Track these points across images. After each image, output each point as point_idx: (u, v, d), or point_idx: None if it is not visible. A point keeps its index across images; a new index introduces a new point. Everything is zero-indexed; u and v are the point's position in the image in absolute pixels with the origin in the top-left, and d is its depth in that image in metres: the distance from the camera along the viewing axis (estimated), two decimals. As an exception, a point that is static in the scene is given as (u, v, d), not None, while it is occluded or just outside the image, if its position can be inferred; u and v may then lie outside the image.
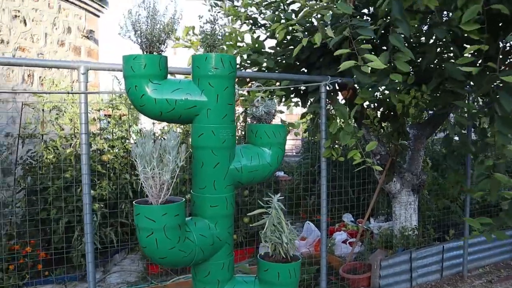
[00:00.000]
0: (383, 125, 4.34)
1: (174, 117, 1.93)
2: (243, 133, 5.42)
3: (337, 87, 3.99)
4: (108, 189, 4.64)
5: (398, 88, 3.37)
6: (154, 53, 1.89)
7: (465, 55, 2.71)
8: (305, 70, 4.00)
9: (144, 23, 1.81)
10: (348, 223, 5.69)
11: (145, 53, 1.89)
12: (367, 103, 4.07)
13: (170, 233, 1.80)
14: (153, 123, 5.77)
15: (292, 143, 13.21)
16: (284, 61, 3.87)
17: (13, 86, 5.75)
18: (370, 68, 2.72)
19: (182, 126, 5.41)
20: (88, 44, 7.44)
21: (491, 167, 2.69)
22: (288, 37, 3.83)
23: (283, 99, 4.01)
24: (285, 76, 3.45)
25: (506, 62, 3.27)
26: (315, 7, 3.03)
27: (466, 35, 2.60)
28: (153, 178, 1.75)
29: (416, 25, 3.37)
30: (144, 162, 1.74)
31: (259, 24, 4.00)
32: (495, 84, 2.67)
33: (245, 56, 3.73)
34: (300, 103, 4.18)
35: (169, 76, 1.98)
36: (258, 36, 3.81)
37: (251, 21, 3.95)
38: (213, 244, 2.01)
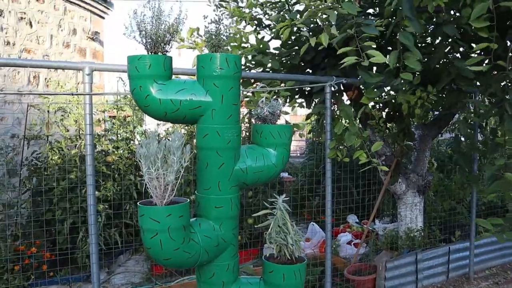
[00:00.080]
0: (388, 125, 4.32)
1: (178, 118, 1.93)
2: (247, 134, 5.41)
3: (342, 88, 3.97)
4: (112, 190, 4.64)
5: (404, 88, 3.35)
6: (159, 53, 1.89)
7: (472, 54, 2.70)
8: (310, 71, 3.99)
9: (149, 24, 1.81)
10: (352, 224, 5.67)
11: (149, 53, 1.89)
12: (372, 103, 4.05)
13: (175, 234, 1.79)
14: (158, 124, 5.77)
15: (296, 144, 13.19)
16: (289, 62, 3.86)
17: (19, 88, 5.77)
18: (374, 66, 2.70)
19: (186, 127, 5.41)
20: (93, 45, 7.46)
21: (502, 166, 2.66)
22: (293, 38, 3.82)
23: (288, 100, 4.00)
24: (290, 76, 3.43)
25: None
26: (320, 7, 3.02)
27: (474, 33, 2.57)
28: (157, 179, 1.75)
29: (422, 24, 3.34)
30: (149, 162, 1.73)
31: (263, 25, 3.99)
32: (504, 83, 2.65)
33: (249, 57, 3.73)
34: (304, 104, 4.17)
35: (173, 77, 1.98)
36: (263, 37, 3.81)
37: (255, 22, 3.94)
38: (218, 246, 2.00)
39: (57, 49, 6.55)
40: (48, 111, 4.97)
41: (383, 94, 3.68)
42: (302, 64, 3.92)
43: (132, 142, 5.36)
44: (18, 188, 4.57)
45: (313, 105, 3.99)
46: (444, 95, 3.90)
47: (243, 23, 3.89)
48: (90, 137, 2.66)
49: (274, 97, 3.07)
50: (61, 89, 5.91)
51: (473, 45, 3.12)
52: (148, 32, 1.81)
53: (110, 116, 6.12)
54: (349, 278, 4.04)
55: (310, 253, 4.66)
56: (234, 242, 2.09)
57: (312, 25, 3.65)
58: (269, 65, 3.71)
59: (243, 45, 3.67)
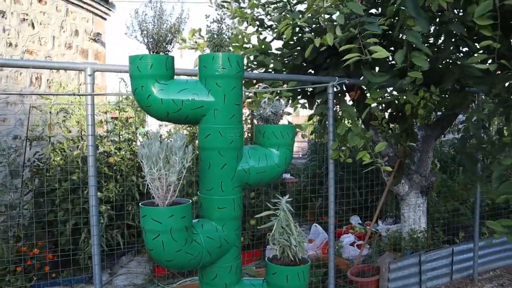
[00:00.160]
0: (391, 126, 4.30)
1: (180, 118, 1.91)
2: (249, 135, 5.40)
3: (345, 88, 3.96)
4: (114, 191, 4.64)
5: (407, 88, 3.33)
6: (161, 53, 1.87)
7: (476, 54, 2.68)
8: (312, 72, 3.97)
9: (151, 23, 1.80)
10: (355, 225, 5.64)
11: (151, 53, 1.88)
12: (374, 104, 4.03)
13: (177, 235, 1.77)
14: (160, 125, 5.77)
15: (298, 145, 13.16)
16: (291, 63, 3.85)
17: (21, 89, 5.78)
18: (377, 67, 2.68)
19: (188, 128, 5.40)
20: (95, 47, 7.47)
21: (509, 166, 2.64)
22: (295, 38, 3.81)
23: (290, 101, 3.98)
24: (292, 77, 3.42)
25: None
26: (323, 7, 3.01)
27: (477, 33, 2.55)
28: (159, 180, 1.73)
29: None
30: (151, 163, 1.72)
31: (265, 26, 3.98)
32: (508, 83, 2.63)
33: (251, 58, 3.72)
34: (307, 104, 4.15)
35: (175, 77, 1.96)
36: (265, 38, 3.79)
37: (257, 23, 3.93)
38: (221, 247, 1.98)
39: (59, 50, 6.55)
40: (50, 112, 4.97)
41: (386, 94, 3.66)
42: (304, 64, 3.91)
43: (134, 143, 5.36)
44: (20, 189, 4.56)
45: (315, 105, 3.97)
46: (446, 96, 3.88)
47: (245, 24, 3.88)
48: (92, 138, 2.65)
49: (277, 97, 3.06)
50: (63, 90, 5.91)
51: (476, 44, 3.10)
52: (149, 32, 1.80)
53: (112, 117, 6.13)
54: (352, 280, 4.02)
55: (313, 255, 4.64)
56: (237, 243, 2.07)
57: (314, 25, 3.64)
58: (271, 65, 3.70)
59: (245, 45, 3.66)
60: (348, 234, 5.30)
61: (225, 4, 3.88)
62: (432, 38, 3.81)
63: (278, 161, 2.11)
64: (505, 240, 4.62)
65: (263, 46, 3.68)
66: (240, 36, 3.60)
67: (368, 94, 4.11)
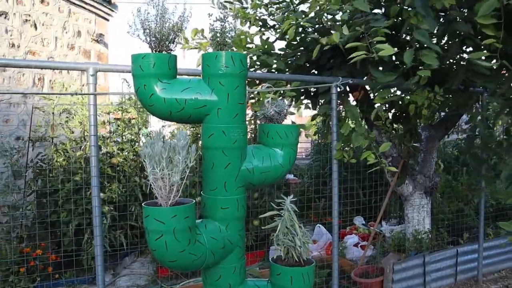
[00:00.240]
0: (394, 126, 4.27)
1: (183, 117, 1.90)
2: (253, 136, 5.39)
3: (348, 89, 3.94)
4: (117, 192, 4.63)
5: (414, 88, 3.31)
6: (163, 52, 1.86)
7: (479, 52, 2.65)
8: (316, 72, 3.95)
9: (153, 22, 1.78)
10: (359, 226, 5.62)
11: (154, 52, 1.86)
12: (378, 104, 4.02)
13: (180, 235, 1.76)
14: (163, 126, 5.77)
15: (301, 145, 13.14)
16: (294, 63, 3.83)
17: (24, 90, 5.78)
18: (380, 67, 2.66)
19: (191, 129, 5.39)
20: (98, 47, 7.47)
21: None
22: (298, 38, 3.79)
23: (294, 101, 3.97)
24: (295, 77, 3.40)
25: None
26: (325, 7, 2.99)
27: (482, 32, 2.53)
28: (162, 179, 1.72)
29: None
30: (153, 162, 1.70)
31: (268, 26, 3.97)
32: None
33: (254, 58, 3.70)
34: (310, 105, 4.14)
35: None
36: (267, 38, 3.78)
37: (260, 23, 3.92)
38: (224, 247, 1.97)
39: (61, 51, 6.56)
40: (53, 113, 4.97)
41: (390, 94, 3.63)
42: (308, 65, 3.89)
43: (137, 144, 5.36)
44: (23, 190, 4.56)
45: (318, 106, 3.95)
46: (450, 96, 3.85)
47: (248, 24, 3.87)
48: (95, 138, 2.64)
49: (280, 98, 3.04)
50: (66, 91, 5.92)
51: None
52: (152, 30, 1.79)
53: (115, 118, 6.13)
54: (356, 281, 4.00)
55: (317, 255, 4.61)
56: (240, 243, 2.05)
57: (317, 26, 3.62)
58: (275, 65, 3.68)
59: (248, 45, 3.65)
60: (351, 235, 5.28)
61: (227, 4, 3.87)
62: (435, 38, 3.79)
63: (282, 161, 2.09)
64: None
65: (266, 46, 3.67)
66: (243, 37, 3.59)
67: (371, 95, 4.10)
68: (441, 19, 3.27)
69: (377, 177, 5.05)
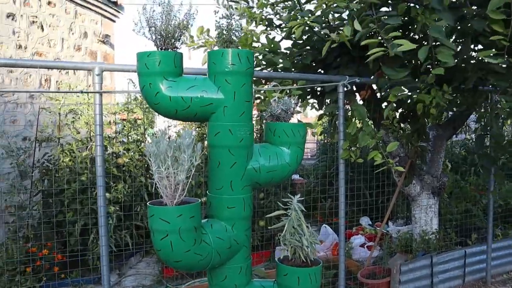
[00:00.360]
0: (402, 126, 4.23)
1: (189, 115, 1.88)
2: (259, 136, 5.37)
3: (355, 88, 3.91)
4: (123, 192, 4.63)
5: (429, 87, 3.26)
6: (169, 50, 1.84)
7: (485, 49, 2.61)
8: (322, 72, 3.93)
9: (159, 19, 1.77)
10: (365, 226, 5.58)
11: (159, 50, 1.85)
12: (385, 103, 3.98)
13: (186, 235, 1.74)
14: (168, 127, 5.77)
15: (306, 146, 13.08)
16: (300, 62, 3.81)
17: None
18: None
19: (197, 129, 5.39)
20: (104, 48, 7.49)
21: None
22: (304, 37, 3.77)
23: (300, 100, 3.94)
24: (301, 76, 3.38)
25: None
26: (333, 4, 2.97)
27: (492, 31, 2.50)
28: (167, 178, 1.70)
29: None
30: (159, 161, 1.68)
31: (274, 25, 3.95)
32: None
33: (260, 57, 3.68)
34: (316, 105, 4.11)
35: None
36: (273, 37, 3.76)
37: (266, 22, 3.90)
38: (230, 247, 1.95)
39: (68, 52, 6.58)
40: (59, 114, 4.98)
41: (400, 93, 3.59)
42: (314, 64, 3.87)
43: (143, 144, 5.36)
44: (30, 190, 4.57)
45: (325, 105, 3.92)
46: (457, 95, 3.81)
47: (253, 23, 3.85)
48: (100, 138, 2.63)
49: (286, 97, 3.02)
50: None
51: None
52: (157, 28, 1.77)
53: (121, 119, 6.14)
54: (363, 282, 3.96)
55: (323, 256, 4.58)
56: (247, 243, 2.03)
57: (324, 24, 3.59)
58: (281, 64, 3.66)
59: (254, 44, 3.63)
60: (358, 235, 5.24)
61: (233, 4, 3.86)
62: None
63: (289, 160, 2.06)
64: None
65: (272, 45, 3.64)
66: (249, 36, 3.57)
67: (378, 94, 4.07)
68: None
69: (384, 177, 5.00)
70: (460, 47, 3.15)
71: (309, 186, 6.72)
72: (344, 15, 3.58)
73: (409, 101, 3.66)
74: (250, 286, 2.07)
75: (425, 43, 2.80)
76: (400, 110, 4.13)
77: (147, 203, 1.77)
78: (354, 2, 2.90)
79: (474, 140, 5.43)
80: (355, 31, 2.82)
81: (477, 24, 2.73)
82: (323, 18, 3.54)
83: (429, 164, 4.45)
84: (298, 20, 3.18)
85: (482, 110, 3.82)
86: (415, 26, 2.91)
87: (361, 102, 3.99)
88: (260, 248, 4.78)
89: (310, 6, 3.81)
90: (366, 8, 2.93)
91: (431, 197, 4.31)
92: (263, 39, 3.72)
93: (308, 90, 3.87)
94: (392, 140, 4.04)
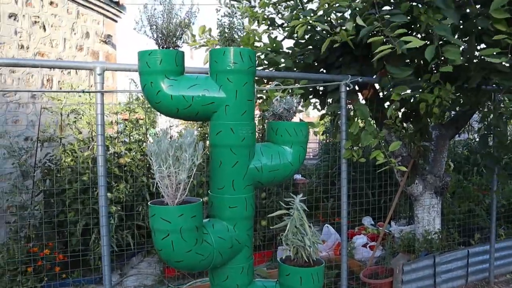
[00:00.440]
0: (404, 125, 4.22)
1: (191, 114, 1.87)
2: (261, 135, 5.36)
3: (357, 87, 3.89)
4: (125, 192, 4.62)
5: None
6: (170, 48, 1.83)
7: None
8: (324, 71, 3.91)
9: (160, 18, 1.76)
10: (368, 226, 5.56)
11: (161, 48, 1.84)
12: (387, 103, 3.96)
13: (187, 235, 1.73)
14: (170, 127, 5.76)
15: (308, 146, 13.06)
16: (302, 62, 3.80)
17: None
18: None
19: (199, 129, 5.38)
20: (106, 48, 7.49)
21: None
22: (306, 37, 3.75)
23: (302, 99, 3.93)
24: (304, 75, 3.37)
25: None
26: (335, 3, 2.95)
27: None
28: (169, 177, 1.69)
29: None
30: (160, 160, 1.67)
31: (276, 25, 3.94)
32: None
33: (262, 56, 3.67)
34: (318, 105, 4.10)
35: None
36: (276, 37, 3.75)
37: (268, 22, 3.89)
38: (232, 247, 1.93)
39: (70, 52, 6.58)
40: (61, 114, 4.98)
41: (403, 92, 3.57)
42: (316, 63, 3.85)
43: (144, 144, 5.36)
44: (32, 190, 4.57)
45: (327, 105, 3.91)
46: (461, 94, 3.79)
47: (256, 23, 3.84)
48: (102, 138, 2.63)
49: (289, 96, 3.01)
50: (74, 92, 5.93)
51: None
52: (159, 27, 1.76)
53: (123, 119, 6.14)
54: (365, 282, 3.95)
55: (325, 256, 4.57)
56: (248, 243, 2.02)
57: (326, 24, 3.58)
58: (283, 64, 3.65)
59: (256, 44, 3.62)
60: (360, 235, 5.22)
61: (235, 3, 3.85)
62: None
63: (292, 159, 2.05)
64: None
65: (274, 45, 3.63)
66: (251, 35, 3.56)
67: (381, 93, 4.05)
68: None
69: (387, 176, 4.98)
70: (463, 46, 3.13)
71: (311, 185, 6.71)
72: (347, 14, 3.56)
73: (412, 100, 3.64)
74: (252, 286, 2.06)
75: (428, 42, 2.78)
76: (402, 110, 4.12)
77: (148, 203, 1.76)
78: (357, 1, 2.88)
79: (477, 139, 5.41)
80: (358, 30, 2.80)
81: (481, 22, 2.71)
82: (325, 18, 3.53)
83: (431, 163, 4.44)
84: (300, 20, 3.16)
85: (486, 110, 3.80)
86: (418, 25, 2.88)
87: (363, 102, 3.98)
88: (262, 248, 4.77)
89: (312, 6, 3.81)
90: (368, 7, 2.91)
91: (434, 196, 4.29)
92: (265, 39, 3.72)
93: (310, 89, 3.86)
94: (394, 139, 4.02)
